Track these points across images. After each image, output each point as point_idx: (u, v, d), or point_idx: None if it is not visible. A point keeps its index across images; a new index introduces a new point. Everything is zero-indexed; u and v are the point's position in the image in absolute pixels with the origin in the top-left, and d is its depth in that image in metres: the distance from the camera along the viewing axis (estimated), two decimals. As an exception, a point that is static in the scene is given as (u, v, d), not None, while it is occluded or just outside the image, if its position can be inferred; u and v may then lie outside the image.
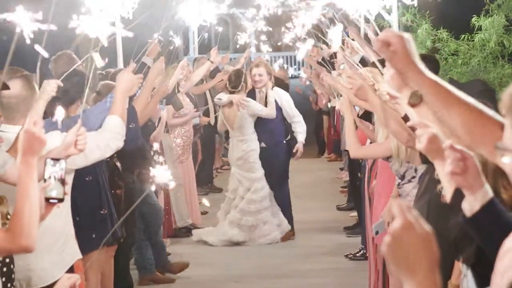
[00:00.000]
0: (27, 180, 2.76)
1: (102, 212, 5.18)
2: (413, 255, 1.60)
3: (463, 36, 9.98)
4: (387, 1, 6.10)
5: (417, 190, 4.61)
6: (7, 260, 3.94)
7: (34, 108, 2.76)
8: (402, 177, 4.85)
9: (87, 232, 4.60)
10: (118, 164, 5.79)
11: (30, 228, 2.84)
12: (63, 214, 4.34)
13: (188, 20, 6.34)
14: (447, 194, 2.76)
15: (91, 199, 5.14)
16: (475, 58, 9.84)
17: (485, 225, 2.13)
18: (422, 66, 2.49)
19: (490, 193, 2.20)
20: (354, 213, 9.54)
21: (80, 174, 4.63)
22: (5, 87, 4.01)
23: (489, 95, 4.03)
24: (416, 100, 2.92)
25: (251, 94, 8.80)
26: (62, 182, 2.87)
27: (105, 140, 4.32)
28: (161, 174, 3.10)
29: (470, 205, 2.18)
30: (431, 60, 5.59)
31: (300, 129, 8.84)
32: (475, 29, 9.79)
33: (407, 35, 2.38)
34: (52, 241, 4.30)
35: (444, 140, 2.41)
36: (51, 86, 3.92)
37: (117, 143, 4.40)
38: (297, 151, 8.89)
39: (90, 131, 4.38)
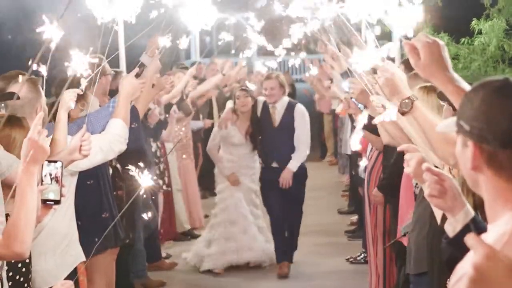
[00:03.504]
0: (26, 188, 2.77)
1: (103, 215, 5.18)
2: (500, 285, 1.51)
3: (463, 40, 9.99)
4: (387, 4, 6.07)
5: (419, 193, 4.62)
6: (27, 260, 3.94)
7: (40, 117, 2.74)
8: None
9: (89, 236, 4.60)
10: (118, 165, 5.79)
11: (25, 235, 2.84)
12: (66, 217, 4.36)
13: (190, 24, 6.34)
14: (437, 217, 2.79)
15: (93, 202, 5.14)
16: (476, 62, 9.85)
17: (467, 246, 2.13)
18: (451, 73, 2.61)
19: (471, 213, 2.19)
20: (354, 217, 9.58)
21: (82, 177, 4.64)
22: (14, 95, 4.02)
23: None
24: (406, 108, 2.92)
25: (264, 110, 7.84)
26: (58, 182, 2.87)
27: (108, 143, 4.34)
28: (143, 177, 3.11)
29: (452, 226, 2.17)
30: None
31: (297, 157, 7.69)
32: (475, 33, 9.80)
33: (442, 42, 2.52)
34: (56, 243, 4.32)
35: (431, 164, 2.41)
36: (70, 95, 3.94)
37: (120, 146, 4.42)
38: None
39: (93, 134, 4.42)
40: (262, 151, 7.87)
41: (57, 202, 2.71)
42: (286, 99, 7.79)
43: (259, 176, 7.94)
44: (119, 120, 4.39)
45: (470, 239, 1.56)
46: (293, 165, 7.63)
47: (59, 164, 2.81)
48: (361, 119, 5.21)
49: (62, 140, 3.99)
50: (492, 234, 1.78)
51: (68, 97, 3.91)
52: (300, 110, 7.76)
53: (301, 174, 7.71)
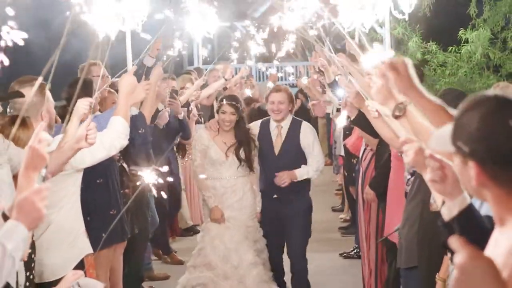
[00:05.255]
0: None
1: (111, 212, 5.18)
2: (483, 285, 1.52)
3: (450, 48, 10.01)
4: (379, 15, 6.09)
5: (409, 192, 4.61)
6: (32, 255, 3.94)
7: (41, 126, 2.73)
8: (412, 174, 4.81)
9: (97, 231, 4.59)
10: (125, 165, 5.79)
11: None
12: (72, 212, 4.35)
13: (193, 32, 6.35)
14: (438, 201, 2.79)
15: (101, 200, 5.14)
16: (462, 69, 9.87)
17: (462, 229, 2.13)
18: (421, 88, 2.73)
19: (468, 200, 2.20)
20: (343, 215, 9.60)
21: (91, 176, 4.64)
22: (21, 94, 4.04)
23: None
24: (399, 112, 2.97)
25: (264, 131, 6.31)
26: (44, 178, 2.87)
27: (110, 140, 4.34)
28: (147, 175, 3.14)
29: (449, 210, 2.19)
30: (417, 68, 5.92)
31: (307, 168, 6.22)
32: (462, 42, 9.82)
33: (409, 61, 2.64)
34: (63, 238, 4.32)
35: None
36: (84, 104, 3.95)
37: (122, 141, 4.41)
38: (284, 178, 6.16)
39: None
40: (261, 180, 6.32)
41: None
42: (290, 116, 6.30)
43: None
44: (120, 118, 4.38)
45: (454, 241, 1.56)
46: (300, 172, 6.16)
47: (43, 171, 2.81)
48: (340, 119, 5.20)
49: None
50: (505, 242, 1.76)
51: (82, 106, 3.91)
52: (308, 128, 6.31)
53: (306, 208, 6.35)
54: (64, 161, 3.83)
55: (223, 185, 6.16)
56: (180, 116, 7.47)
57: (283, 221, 6.21)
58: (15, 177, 3.29)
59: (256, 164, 6.28)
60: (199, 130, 6.44)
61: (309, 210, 6.36)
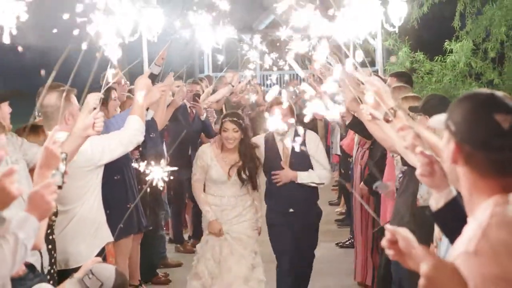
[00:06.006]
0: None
1: (128, 206, 5.14)
2: None
3: (436, 58, 9.96)
4: (372, 28, 6.05)
5: (399, 186, 4.59)
6: (50, 245, 3.91)
7: (56, 129, 2.74)
8: (403, 172, 4.77)
9: (116, 223, 4.56)
10: (142, 163, 5.76)
11: None
12: (94, 205, 4.32)
13: (203, 43, 6.34)
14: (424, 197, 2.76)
15: (119, 195, 5.11)
16: (447, 77, 9.83)
17: (447, 219, 2.15)
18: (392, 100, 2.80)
19: (454, 192, 2.20)
20: (339, 208, 9.55)
21: (110, 173, 4.61)
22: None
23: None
24: (389, 117, 2.97)
25: (270, 142, 5.53)
26: (63, 174, 2.83)
27: (127, 137, 4.32)
28: (156, 171, 3.14)
29: (436, 201, 2.19)
30: (406, 75, 6.39)
31: (311, 173, 5.49)
32: (447, 52, 9.78)
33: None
34: (86, 229, 4.28)
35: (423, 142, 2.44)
36: (93, 99, 3.89)
37: (138, 138, 4.38)
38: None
39: (119, 130, 4.42)
40: (271, 197, 5.56)
41: (60, 187, 2.68)
42: (293, 127, 5.43)
43: (267, 221, 5.59)
44: (136, 116, 4.36)
45: (419, 251, 1.63)
46: (302, 175, 5.47)
47: (63, 155, 2.78)
48: (330, 114, 4.81)
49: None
50: (472, 226, 1.78)
51: (92, 101, 3.86)
52: (313, 135, 5.68)
53: (316, 218, 5.60)
54: (75, 149, 3.75)
55: (224, 203, 5.46)
56: (202, 117, 7.48)
57: (295, 235, 5.44)
58: (31, 171, 3.26)
59: (259, 182, 5.57)
60: (203, 147, 5.66)
61: (319, 218, 5.59)
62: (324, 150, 5.66)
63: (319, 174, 5.45)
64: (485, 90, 1.88)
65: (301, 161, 5.38)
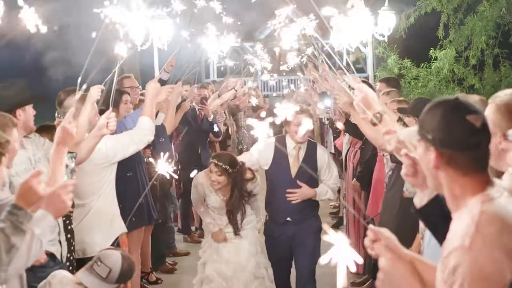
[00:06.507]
0: (57, 163, 2.92)
1: (140, 200, 5.18)
2: (404, 283, 1.57)
3: (422, 64, 10.00)
4: (363, 37, 6.10)
5: (388, 183, 4.63)
6: (69, 235, 3.95)
7: (71, 112, 2.88)
8: (392, 169, 4.79)
9: (128, 216, 4.61)
10: (153, 161, 5.79)
11: None
12: (109, 199, 4.36)
13: (209, 51, 6.37)
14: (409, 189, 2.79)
15: (131, 190, 5.14)
16: (432, 82, 9.86)
17: (430, 216, 2.14)
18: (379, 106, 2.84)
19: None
20: (333, 202, 9.58)
21: (122, 170, 4.65)
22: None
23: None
24: (376, 120, 3.02)
25: (281, 148, 4.84)
26: (71, 171, 2.93)
27: (138, 136, 4.39)
28: (163, 165, 3.20)
29: (420, 199, 2.19)
30: (394, 80, 6.43)
31: (332, 189, 4.96)
32: (432, 59, 9.81)
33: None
34: (102, 220, 4.33)
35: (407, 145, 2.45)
36: (95, 91, 3.92)
37: (148, 137, 4.45)
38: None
39: (132, 129, 4.48)
40: (271, 206, 4.99)
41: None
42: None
43: (264, 232, 5.05)
44: (146, 117, 4.42)
45: (379, 247, 1.60)
46: (320, 193, 4.89)
47: (74, 154, 2.89)
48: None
49: (83, 122, 3.95)
50: (458, 223, 1.78)
51: (95, 93, 3.90)
52: (323, 149, 5.06)
53: (316, 228, 4.87)
54: (91, 148, 3.82)
55: (224, 221, 4.93)
56: (210, 118, 7.55)
57: (293, 244, 4.89)
58: None
59: (258, 203, 5.06)
60: (198, 177, 5.00)
61: (319, 230, 4.82)
62: (334, 164, 5.07)
63: (332, 188, 4.93)
64: (449, 96, 1.89)
65: (308, 173, 4.76)
